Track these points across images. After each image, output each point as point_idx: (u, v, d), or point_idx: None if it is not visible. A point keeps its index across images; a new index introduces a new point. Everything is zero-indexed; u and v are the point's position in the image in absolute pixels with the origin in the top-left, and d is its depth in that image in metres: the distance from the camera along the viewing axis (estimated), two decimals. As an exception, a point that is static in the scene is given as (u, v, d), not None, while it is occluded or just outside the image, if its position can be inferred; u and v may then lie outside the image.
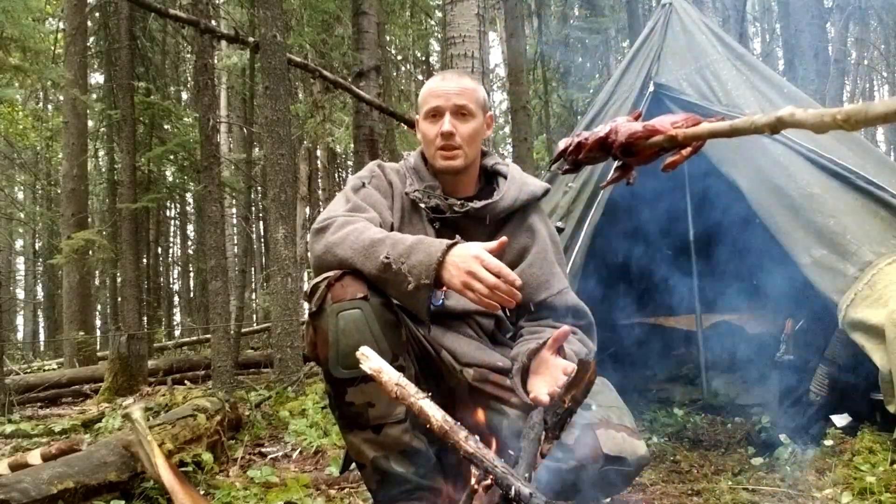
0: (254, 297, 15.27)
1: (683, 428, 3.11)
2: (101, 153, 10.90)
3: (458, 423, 1.14)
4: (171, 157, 8.83)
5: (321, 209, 7.29)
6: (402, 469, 1.49)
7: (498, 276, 1.31)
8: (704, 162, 2.84)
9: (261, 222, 14.54)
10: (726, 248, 3.61)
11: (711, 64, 2.94)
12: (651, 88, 2.99)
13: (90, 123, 9.12)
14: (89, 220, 9.19)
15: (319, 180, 11.00)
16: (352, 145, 7.25)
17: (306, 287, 1.51)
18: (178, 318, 17.17)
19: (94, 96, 9.88)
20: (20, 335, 17.68)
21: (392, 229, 1.62)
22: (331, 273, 1.45)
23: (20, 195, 16.93)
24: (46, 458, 2.17)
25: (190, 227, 16.68)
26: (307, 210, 9.58)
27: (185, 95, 11.74)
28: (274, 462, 2.71)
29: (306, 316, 1.50)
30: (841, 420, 2.48)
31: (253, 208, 12.70)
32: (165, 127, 9.01)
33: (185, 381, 5.39)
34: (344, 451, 1.68)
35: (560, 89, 11.87)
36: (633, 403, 2.91)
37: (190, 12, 4.86)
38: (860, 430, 2.34)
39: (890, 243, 2.34)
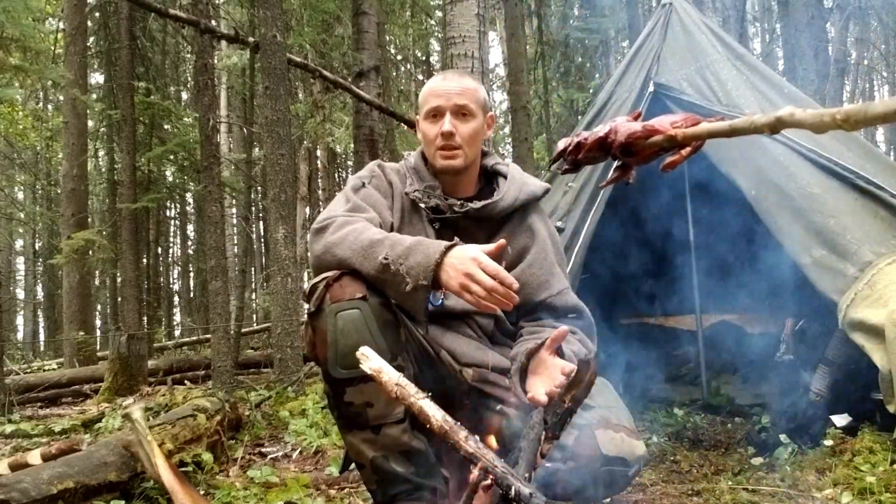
0: (254, 297, 15.27)
1: (683, 428, 3.11)
2: (101, 153, 10.90)
3: (458, 423, 1.14)
4: (171, 157, 8.83)
5: (321, 209, 7.27)
6: (402, 469, 1.49)
7: (495, 278, 1.31)
8: (704, 162, 2.84)
9: (261, 222, 14.54)
10: (726, 248, 3.60)
11: (711, 64, 2.94)
12: (651, 88, 2.98)
13: (90, 123, 9.12)
14: (89, 220, 9.19)
15: (319, 180, 11.01)
16: (352, 145, 7.25)
17: (305, 287, 1.51)
18: (178, 318, 17.19)
19: (94, 96, 9.88)
20: (20, 335, 17.70)
21: (392, 229, 1.62)
22: (329, 273, 1.46)
23: (20, 195, 16.94)
24: (46, 458, 2.17)
25: (190, 227, 16.69)
26: (307, 210, 9.58)
27: (185, 95, 11.75)
28: (274, 462, 2.71)
29: (305, 316, 1.51)
30: (841, 420, 2.48)
31: (253, 208, 12.70)
32: (165, 127, 9.01)
33: (185, 381, 5.38)
34: (344, 451, 1.68)
35: (560, 89, 11.86)
36: (633, 403, 2.91)
37: (190, 12, 4.86)
38: (860, 430, 2.33)
39: (890, 243, 2.34)
